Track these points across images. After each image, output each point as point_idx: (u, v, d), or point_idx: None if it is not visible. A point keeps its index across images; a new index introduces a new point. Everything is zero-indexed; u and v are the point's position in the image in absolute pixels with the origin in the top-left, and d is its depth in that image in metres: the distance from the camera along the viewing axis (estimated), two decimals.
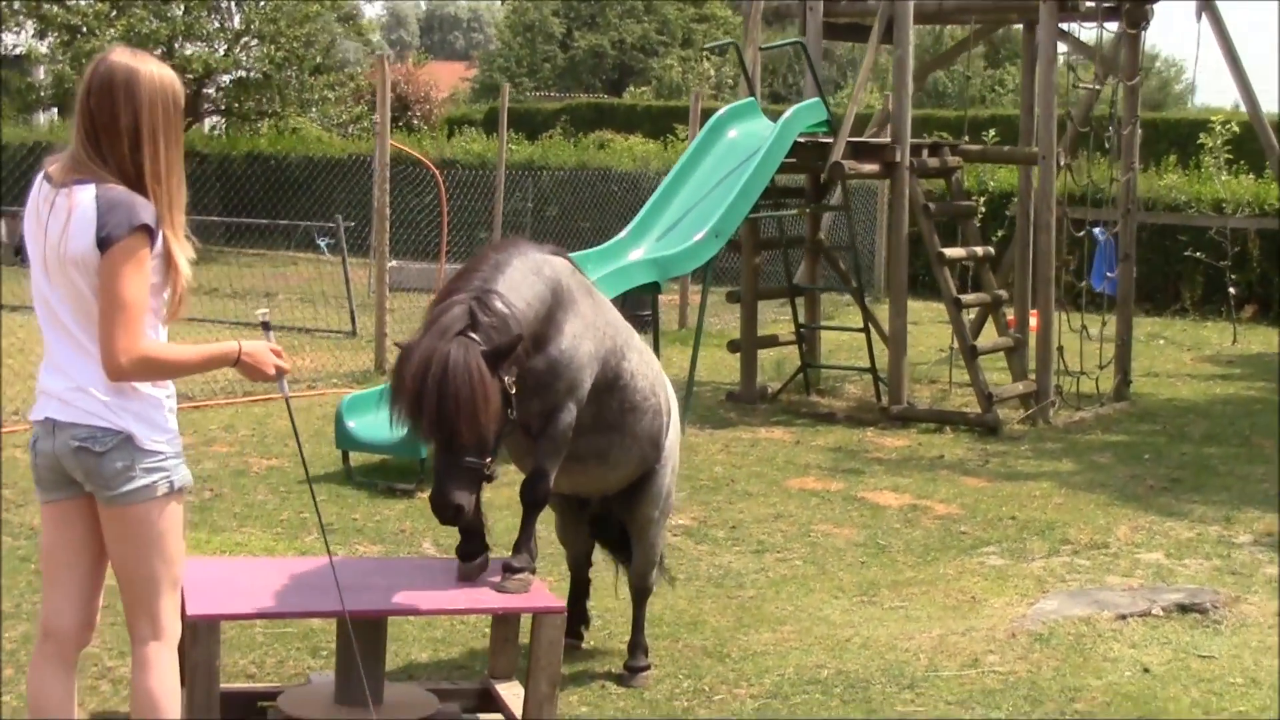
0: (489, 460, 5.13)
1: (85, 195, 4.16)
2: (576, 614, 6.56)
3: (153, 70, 4.22)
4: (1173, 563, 8.46)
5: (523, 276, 5.39)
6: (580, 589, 6.63)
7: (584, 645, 6.61)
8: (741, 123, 12.94)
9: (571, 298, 5.55)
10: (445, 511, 5.11)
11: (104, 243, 4.11)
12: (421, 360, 5.02)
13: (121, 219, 4.11)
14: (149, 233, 4.16)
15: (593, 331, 5.61)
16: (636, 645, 6.38)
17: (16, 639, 6.39)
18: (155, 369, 4.23)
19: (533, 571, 5.61)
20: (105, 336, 4.12)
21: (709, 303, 13.67)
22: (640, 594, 6.43)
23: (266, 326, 4.64)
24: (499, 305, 5.21)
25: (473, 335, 5.08)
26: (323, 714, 5.42)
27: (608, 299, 6.05)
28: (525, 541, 5.62)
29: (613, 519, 6.44)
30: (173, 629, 4.45)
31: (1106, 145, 14.49)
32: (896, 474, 10.55)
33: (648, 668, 6.36)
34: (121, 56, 4.23)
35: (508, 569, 5.53)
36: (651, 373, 6.04)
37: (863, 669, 6.53)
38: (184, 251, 4.30)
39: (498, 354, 5.07)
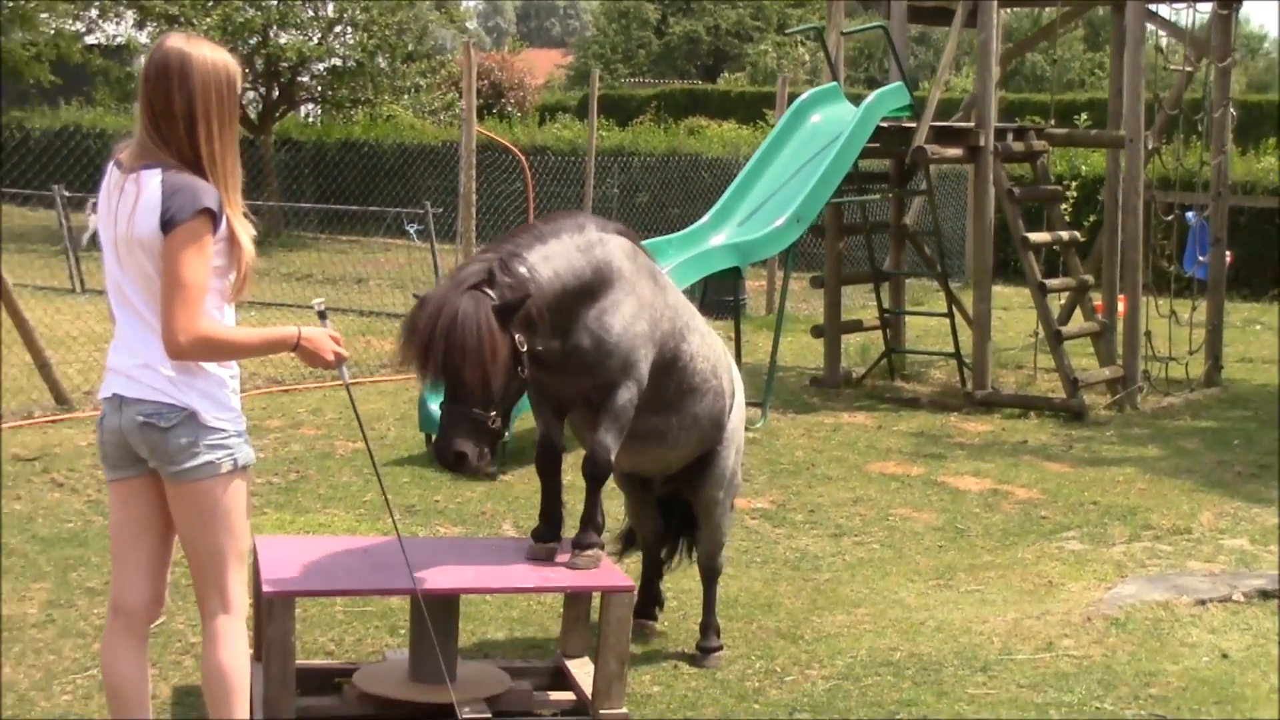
0: (494, 414, 5.15)
1: (152, 180, 4.25)
2: (649, 595, 6.60)
3: (205, 54, 4.29)
4: (1257, 549, 8.38)
5: (562, 249, 5.44)
6: (652, 569, 6.67)
7: (658, 626, 6.65)
8: (824, 107, 12.92)
9: (623, 278, 5.57)
10: (446, 457, 5.12)
11: (167, 225, 4.20)
12: (433, 309, 5.09)
13: (185, 202, 4.20)
14: (212, 216, 4.25)
15: (649, 312, 5.64)
16: (708, 626, 6.42)
17: (104, 615, 6.52)
18: (214, 349, 4.31)
19: (602, 547, 5.70)
20: (165, 316, 4.21)
21: (794, 288, 13.70)
22: (709, 575, 6.47)
23: (323, 316, 4.73)
24: (520, 268, 5.26)
25: (487, 291, 5.13)
26: (396, 690, 5.50)
27: (672, 282, 6.08)
28: (592, 517, 5.69)
29: (679, 502, 6.49)
30: (240, 602, 4.53)
31: (1199, 128, 14.33)
32: (978, 459, 10.52)
33: (720, 648, 6.40)
34: (176, 42, 4.31)
35: (577, 545, 5.63)
36: (713, 355, 6.08)
37: (936, 652, 6.54)
38: (245, 230, 4.38)
39: (507, 309, 5.11)
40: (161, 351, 4.30)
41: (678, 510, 6.58)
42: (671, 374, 5.84)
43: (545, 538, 5.70)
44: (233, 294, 4.42)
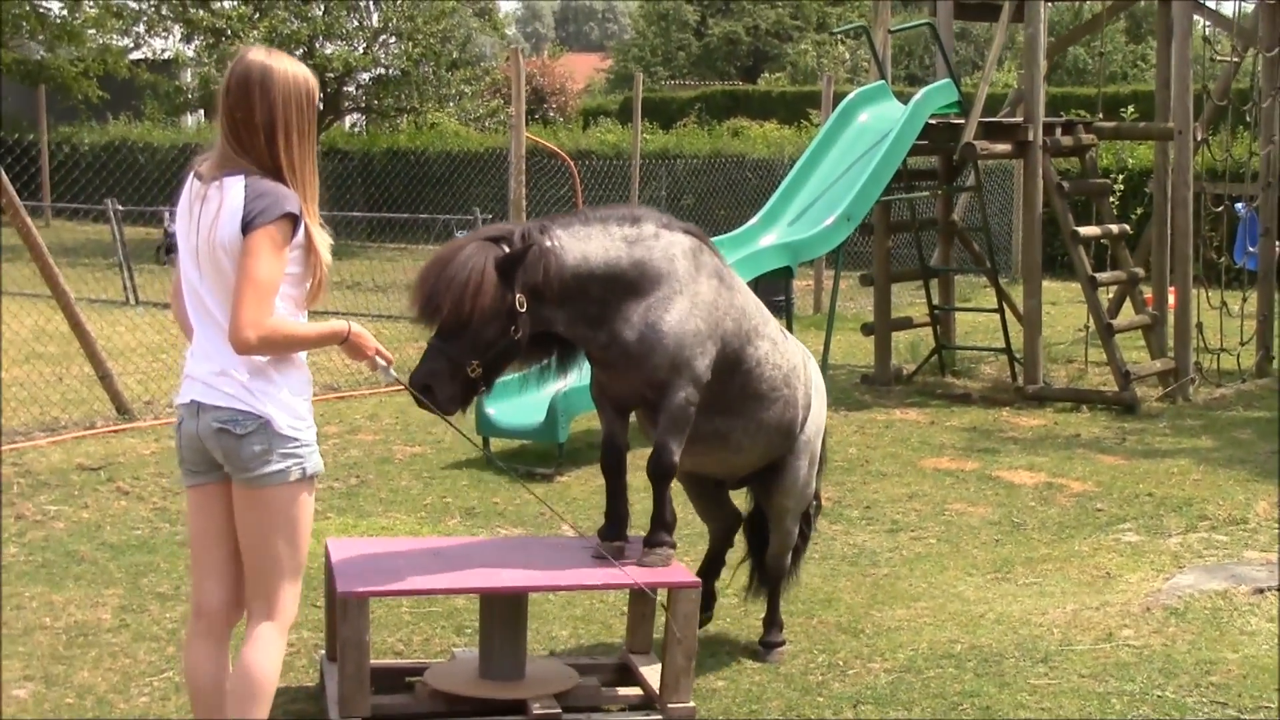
0: (475, 363, 5.18)
1: (235, 185, 4.36)
2: (704, 591, 6.52)
3: (286, 68, 4.41)
4: None
5: (600, 236, 5.47)
6: (712, 565, 6.70)
7: (710, 623, 6.64)
8: (872, 106, 12.98)
9: (675, 276, 5.55)
10: (414, 385, 5.18)
11: (248, 226, 4.30)
12: (443, 251, 5.25)
13: (268, 205, 4.31)
14: (293, 221, 4.36)
15: (706, 311, 5.62)
16: (772, 622, 6.49)
17: (177, 619, 6.68)
18: (277, 343, 4.39)
19: (673, 546, 5.75)
20: (235, 310, 4.30)
21: (843, 286, 13.73)
22: (775, 574, 6.53)
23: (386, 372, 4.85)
24: (545, 238, 5.33)
25: (502, 246, 5.23)
26: (466, 688, 5.60)
27: (744, 284, 6.05)
28: (661, 515, 5.74)
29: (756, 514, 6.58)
30: (288, 612, 4.60)
31: (1247, 119, 14.30)
32: (1032, 453, 10.56)
33: (783, 643, 6.46)
34: (257, 55, 4.42)
35: (649, 544, 5.70)
36: (786, 364, 6.03)
37: (996, 643, 6.60)
38: (323, 239, 4.49)
39: (510, 260, 5.18)
40: (239, 359, 4.39)
41: (757, 525, 6.63)
42: (735, 376, 5.82)
43: (612, 536, 5.76)
44: (308, 300, 4.52)
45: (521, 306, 5.25)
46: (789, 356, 6.08)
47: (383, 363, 4.78)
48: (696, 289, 5.62)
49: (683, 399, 5.58)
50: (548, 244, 5.34)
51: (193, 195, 4.46)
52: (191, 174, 4.51)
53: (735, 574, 6.91)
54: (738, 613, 6.93)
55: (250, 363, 4.41)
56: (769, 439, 6.08)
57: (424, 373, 5.19)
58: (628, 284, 5.48)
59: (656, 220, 5.69)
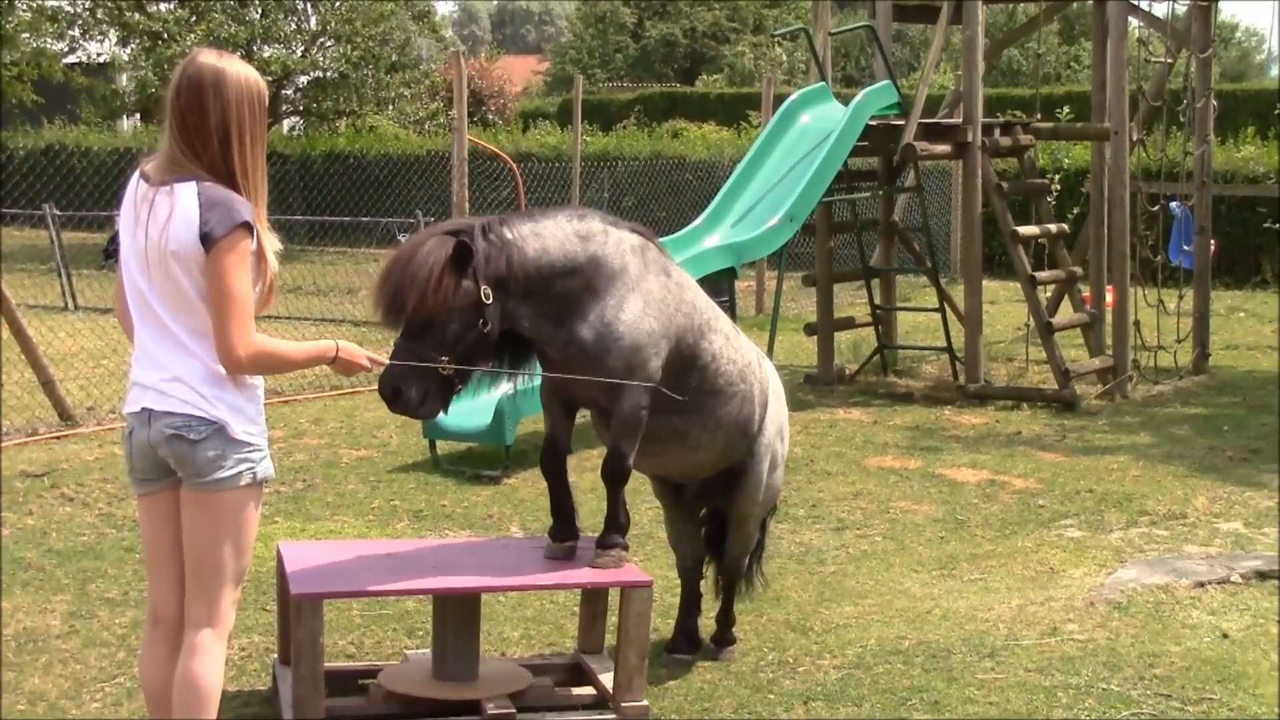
0: (445, 359, 5.12)
1: (186, 192, 4.33)
2: (687, 629, 6.46)
3: (238, 70, 4.40)
4: (1252, 531, 8.53)
5: (556, 231, 5.46)
6: (690, 601, 6.51)
7: (695, 660, 6.42)
8: (813, 108, 13.07)
9: (627, 274, 5.54)
10: (384, 389, 5.14)
11: (206, 239, 4.28)
12: (403, 247, 5.26)
13: (223, 216, 4.29)
14: (249, 229, 4.35)
15: (659, 309, 5.60)
16: (725, 620, 6.51)
17: (126, 624, 6.66)
18: (269, 363, 4.42)
19: (625, 548, 5.77)
20: (221, 332, 4.29)
21: (786, 287, 13.80)
22: (732, 574, 6.52)
23: None
24: (505, 231, 5.33)
25: (461, 238, 5.21)
26: (421, 689, 5.62)
27: (692, 280, 6.03)
28: (614, 517, 5.75)
29: (716, 515, 6.54)
30: (227, 620, 4.58)
31: (1181, 119, 14.49)
32: (974, 451, 10.67)
33: (734, 641, 6.51)
34: (208, 58, 4.40)
35: (601, 545, 5.72)
36: (741, 360, 6.00)
37: (943, 639, 6.68)
38: (271, 244, 4.49)
39: (467, 251, 5.15)
40: (190, 365, 4.38)
41: (713, 525, 6.61)
42: (691, 372, 5.79)
43: (562, 536, 5.77)
44: (259, 307, 4.49)
45: (488, 299, 5.21)
46: (744, 351, 6.07)
47: (380, 364, 4.79)
48: (648, 286, 5.60)
49: (635, 402, 5.55)
50: (508, 235, 5.32)
51: (139, 198, 4.41)
52: (136, 175, 4.47)
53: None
54: None
55: (205, 369, 4.39)
56: (728, 436, 6.03)
57: (392, 375, 5.11)
58: (585, 280, 5.46)
59: (602, 218, 5.69)
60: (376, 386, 5.16)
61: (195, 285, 4.33)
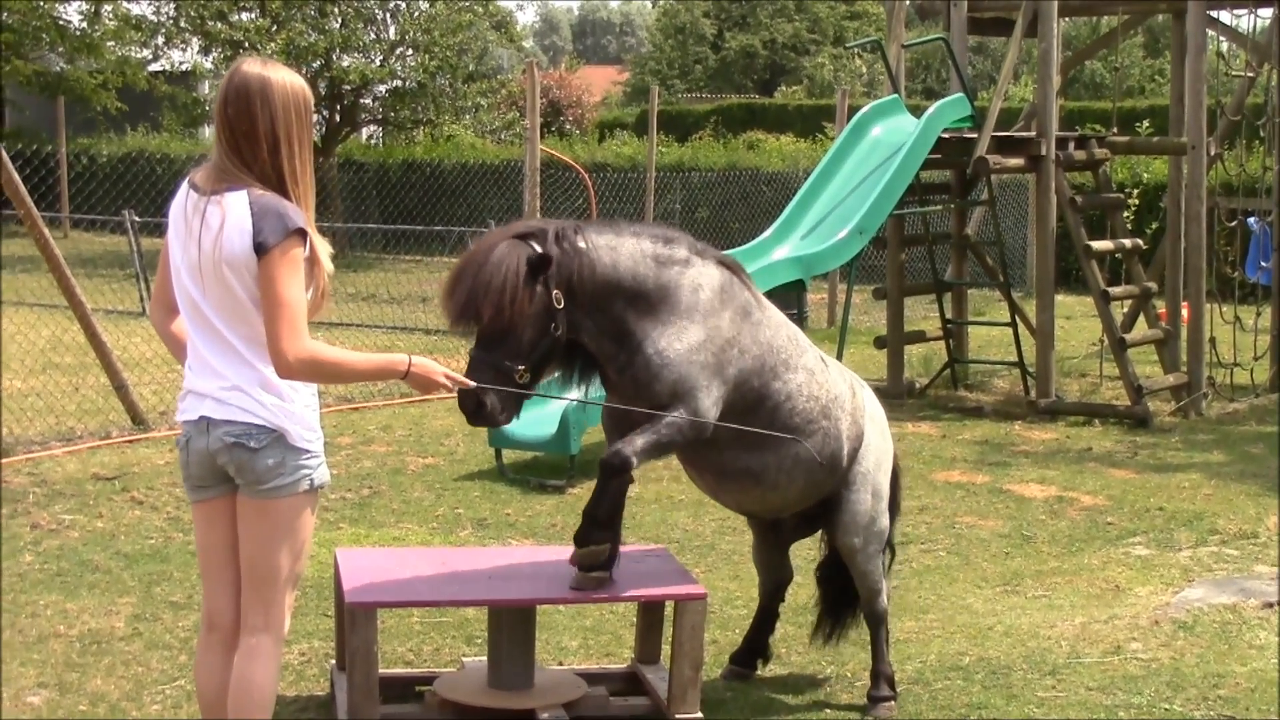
0: (522, 368, 5.05)
1: (238, 201, 4.35)
2: (755, 644, 6.39)
3: (284, 77, 4.42)
4: None
5: (634, 248, 5.34)
6: (764, 620, 6.41)
7: (754, 675, 6.38)
8: (885, 120, 13.01)
9: (697, 308, 5.40)
10: (466, 405, 5.03)
11: (260, 247, 4.29)
12: (474, 251, 5.12)
13: (276, 224, 4.31)
14: (303, 236, 4.37)
15: (719, 346, 5.42)
16: (878, 674, 6.09)
17: (189, 627, 6.73)
18: (323, 371, 4.41)
19: (601, 544, 5.41)
20: (272, 337, 4.30)
21: (855, 300, 13.75)
22: (871, 620, 6.15)
23: None
24: (579, 241, 5.21)
25: (532, 244, 5.11)
26: (475, 697, 5.64)
27: (778, 316, 5.78)
28: (593, 510, 5.39)
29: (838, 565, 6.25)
30: (283, 625, 4.60)
31: (1261, 134, 14.32)
32: (1043, 466, 10.58)
33: (890, 698, 6.04)
34: (253, 66, 4.42)
35: (577, 541, 5.45)
36: (825, 395, 5.74)
37: (1004, 656, 6.62)
38: (324, 249, 4.49)
39: (543, 260, 5.05)
40: (248, 373, 4.40)
41: (830, 569, 6.38)
42: (759, 413, 5.56)
43: (593, 541, 5.46)
44: (311, 311, 4.48)
45: (559, 303, 5.14)
46: (828, 387, 5.78)
47: (463, 385, 4.77)
48: (716, 323, 5.43)
49: (674, 425, 5.33)
50: (580, 244, 5.23)
51: (190, 207, 4.44)
52: (185, 185, 4.49)
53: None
54: (747, 623, 6.95)
55: (262, 377, 4.41)
56: (808, 474, 5.75)
57: (475, 391, 5.00)
58: (648, 305, 5.33)
59: (690, 246, 5.51)
60: (456, 402, 5.10)
61: (249, 293, 4.35)
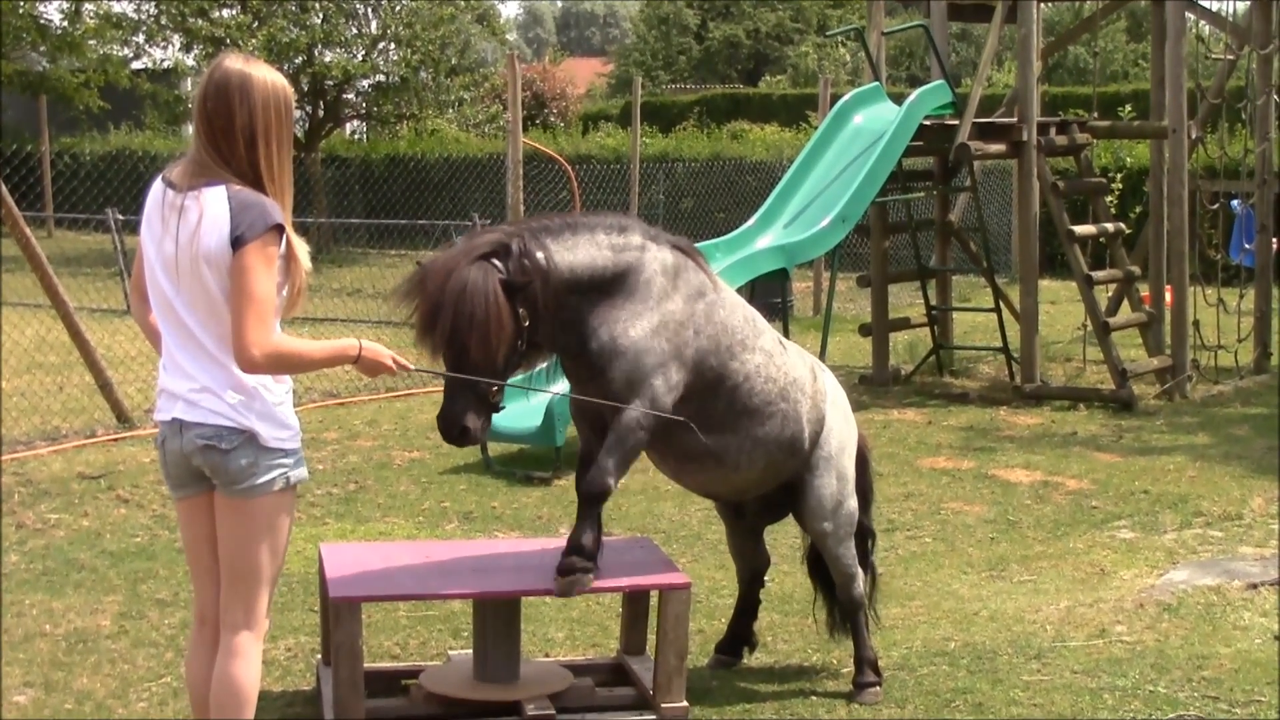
0: (495, 387, 5.12)
1: (216, 196, 4.33)
2: (737, 632, 6.41)
3: (265, 75, 4.41)
4: None
5: (587, 245, 5.37)
6: (745, 607, 6.43)
7: (740, 663, 6.40)
8: (867, 108, 13.02)
9: (651, 292, 5.43)
10: (451, 430, 5.10)
11: (238, 241, 4.28)
12: (441, 274, 5.09)
13: (255, 219, 4.30)
14: (281, 232, 4.35)
15: (675, 331, 5.45)
16: (862, 660, 6.11)
17: (175, 625, 6.73)
18: (285, 363, 4.39)
19: (586, 571, 5.46)
20: (238, 330, 4.28)
21: (840, 288, 13.77)
22: (847, 608, 6.17)
23: None
24: (537, 252, 5.23)
25: (495, 262, 5.13)
26: (461, 690, 5.65)
27: (735, 299, 5.83)
28: (577, 538, 5.46)
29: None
30: (264, 622, 4.61)
31: (1242, 117, 14.35)
32: (1028, 451, 10.60)
33: (874, 684, 6.05)
34: (234, 63, 4.41)
35: (560, 570, 5.45)
36: (783, 378, 5.75)
37: (990, 641, 6.64)
38: (302, 246, 4.49)
39: (512, 286, 5.10)
40: (219, 375, 4.39)
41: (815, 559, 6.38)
42: (719, 393, 5.59)
43: (567, 570, 5.51)
44: (287, 309, 4.49)
45: (525, 321, 5.19)
46: (787, 369, 5.80)
47: (406, 369, 4.78)
48: (670, 306, 5.45)
49: (633, 419, 5.36)
50: (539, 257, 5.24)
51: (166, 204, 4.42)
52: (159, 182, 4.48)
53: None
54: (726, 605, 6.96)
55: (233, 378, 4.39)
56: (769, 455, 5.78)
57: (459, 417, 5.07)
58: (602, 295, 5.37)
59: (644, 232, 5.55)
60: (438, 429, 5.17)
61: (224, 290, 4.34)
